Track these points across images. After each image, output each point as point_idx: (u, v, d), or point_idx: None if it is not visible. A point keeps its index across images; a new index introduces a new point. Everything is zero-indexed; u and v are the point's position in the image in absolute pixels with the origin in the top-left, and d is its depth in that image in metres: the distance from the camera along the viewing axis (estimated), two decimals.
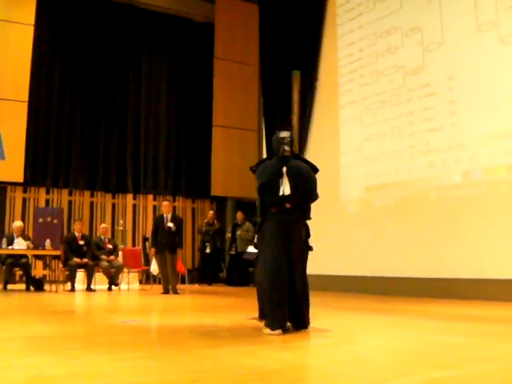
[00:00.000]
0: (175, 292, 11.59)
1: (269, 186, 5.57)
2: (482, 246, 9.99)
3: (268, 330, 5.19)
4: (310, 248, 6.01)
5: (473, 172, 10.42)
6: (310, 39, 14.73)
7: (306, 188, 5.76)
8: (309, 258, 6.14)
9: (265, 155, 16.13)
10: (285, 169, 5.56)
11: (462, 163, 10.63)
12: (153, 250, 12.04)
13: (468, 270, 10.11)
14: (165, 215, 12.06)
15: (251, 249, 7.97)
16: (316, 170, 6.01)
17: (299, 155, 6.00)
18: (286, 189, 5.50)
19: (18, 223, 12.74)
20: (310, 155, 14.26)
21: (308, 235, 5.97)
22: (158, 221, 12.17)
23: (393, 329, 5.85)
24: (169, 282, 11.73)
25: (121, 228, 15.73)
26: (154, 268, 12.19)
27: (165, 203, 12.41)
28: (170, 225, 11.86)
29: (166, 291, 11.69)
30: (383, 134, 12.31)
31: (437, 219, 10.98)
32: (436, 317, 7.12)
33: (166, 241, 11.79)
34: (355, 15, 13.40)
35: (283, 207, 5.54)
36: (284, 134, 5.79)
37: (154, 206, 17.12)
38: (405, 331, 5.61)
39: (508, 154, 9.81)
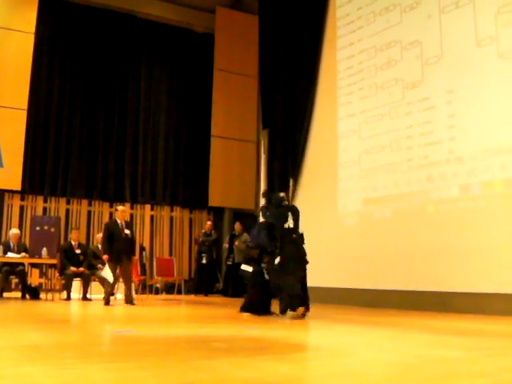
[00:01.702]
0: (132, 303, 11.24)
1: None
2: (478, 259, 9.99)
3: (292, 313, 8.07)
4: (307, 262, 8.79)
5: (470, 186, 10.43)
6: (309, 51, 14.76)
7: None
8: (307, 270, 8.76)
9: (263, 167, 16.14)
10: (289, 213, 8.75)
11: (459, 177, 10.64)
12: (106, 256, 11.36)
13: (465, 283, 10.10)
14: (119, 222, 11.62)
15: (245, 267, 9.42)
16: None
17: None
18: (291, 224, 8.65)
19: (14, 231, 12.74)
20: (308, 168, 14.30)
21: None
22: (112, 227, 11.61)
23: (388, 342, 5.84)
24: (115, 292, 11.51)
25: None
26: (109, 275, 11.53)
27: (123, 208, 12.09)
28: (127, 232, 11.52)
29: (107, 302, 11.16)
30: (381, 147, 12.32)
31: (434, 232, 10.98)
32: (431, 330, 7.11)
33: (123, 248, 11.39)
34: (355, 28, 13.45)
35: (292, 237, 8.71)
36: (282, 194, 9.16)
37: (152, 216, 17.12)
38: (399, 344, 5.59)
39: (505, 169, 9.83)
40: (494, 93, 10.23)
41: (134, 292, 12.15)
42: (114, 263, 11.35)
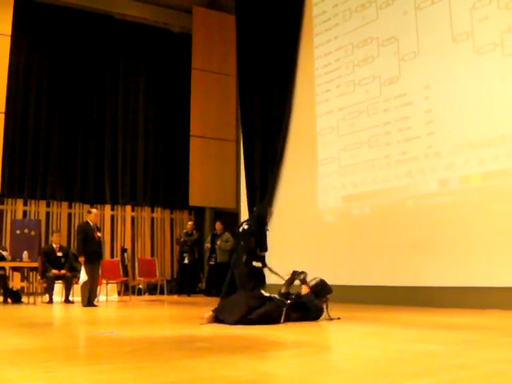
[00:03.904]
0: (95, 305, 11.34)
1: None
2: (458, 253, 10.06)
3: None
4: None
5: (449, 180, 10.50)
6: (287, 49, 14.77)
7: None
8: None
9: (242, 165, 16.13)
10: None
11: (438, 172, 10.70)
12: (82, 258, 11.30)
13: (445, 278, 10.16)
14: (92, 224, 11.66)
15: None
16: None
17: None
18: None
19: None
20: (288, 165, 14.31)
21: None
22: (86, 229, 11.60)
23: (369, 337, 5.87)
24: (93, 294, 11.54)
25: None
26: (84, 278, 11.49)
27: (95, 211, 12.10)
28: (99, 234, 11.72)
29: (90, 303, 11.24)
30: (360, 143, 12.36)
31: (414, 228, 11.04)
32: (413, 325, 7.15)
33: (97, 251, 11.53)
34: (332, 25, 13.47)
35: None
36: None
37: (132, 217, 17.09)
38: (381, 340, 5.62)
39: (483, 163, 9.90)
40: (471, 87, 10.30)
41: (98, 294, 12.33)
42: (90, 264, 11.34)
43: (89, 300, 11.25)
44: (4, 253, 12.09)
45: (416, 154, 11.17)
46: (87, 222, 11.77)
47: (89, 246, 11.40)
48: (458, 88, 10.55)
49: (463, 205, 10.25)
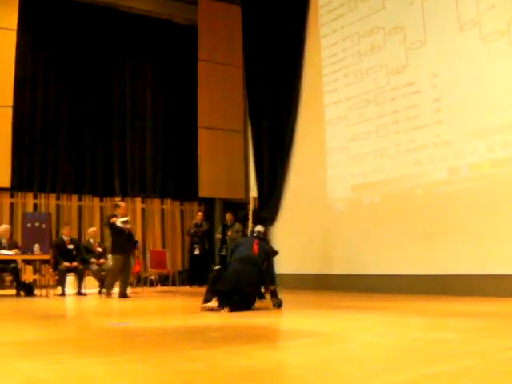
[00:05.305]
0: (126, 296, 11.44)
1: None
2: (469, 241, 10.06)
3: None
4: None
5: (458, 168, 10.50)
6: (293, 40, 14.76)
7: None
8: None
9: (251, 156, 16.15)
10: None
11: (447, 160, 10.70)
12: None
13: (456, 266, 10.17)
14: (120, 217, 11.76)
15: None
16: None
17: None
18: None
19: (3, 226, 12.67)
20: (296, 156, 14.33)
21: None
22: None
23: (383, 326, 5.89)
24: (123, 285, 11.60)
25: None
26: (110, 264, 11.66)
27: (124, 204, 12.21)
28: (128, 226, 11.75)
29: (123, 295, 11.37)
30: (368, 132, 12.36)
31: (423, 216, 11.05)
32: (426, 313, 7.17)
33: (126, 243, 11.62)
34: (338, 15, 13.46)
35: None
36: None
37: (142, 209, 17.11)
38: (395, 328, 5.65)
39: (492, 150, 9.91)
40: (478, 76, 10.30)
41: (131, 285, 12.48)
42: (120, 256, 11.44)
43: (121, 292, 11.36)
44: (13, 251, 12.08)
45: (425, 143, 11.17)
46: (114, 215, 11.82)
47: (118, 238, 11.49)
48: (465, 76, 10.54)
49: (473, 192, 10.24)
